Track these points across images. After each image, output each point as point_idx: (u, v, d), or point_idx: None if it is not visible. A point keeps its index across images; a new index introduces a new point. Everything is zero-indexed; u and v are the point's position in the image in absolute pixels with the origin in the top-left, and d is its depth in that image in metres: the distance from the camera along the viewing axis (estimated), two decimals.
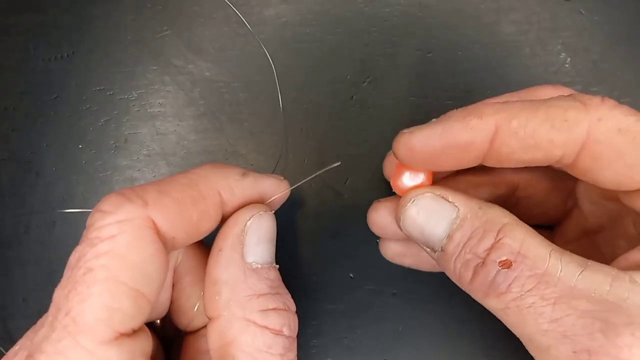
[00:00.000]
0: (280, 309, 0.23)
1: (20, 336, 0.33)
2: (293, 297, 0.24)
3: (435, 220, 0.22)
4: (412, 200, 0.23)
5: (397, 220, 0.24)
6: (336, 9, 0.35)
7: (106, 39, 0.35)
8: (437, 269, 0.29)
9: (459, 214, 0.22)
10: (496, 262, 0.20)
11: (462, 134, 0.22)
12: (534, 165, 0.23)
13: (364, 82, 0.34)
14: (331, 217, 0.33)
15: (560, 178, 0.28)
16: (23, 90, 0.35)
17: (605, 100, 0.21)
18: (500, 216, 0.21)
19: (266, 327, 0.22)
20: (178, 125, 0.35)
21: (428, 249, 0.23)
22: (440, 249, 0.22)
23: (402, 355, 0.32)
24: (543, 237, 0.21)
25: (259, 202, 0.25)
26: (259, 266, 0.23)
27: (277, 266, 0.24)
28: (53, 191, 0.34)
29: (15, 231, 0.34)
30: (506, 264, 0.20)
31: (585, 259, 0.20)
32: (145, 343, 0.20)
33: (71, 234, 0.34)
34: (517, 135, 0.21)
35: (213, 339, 0.22)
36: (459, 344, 0.32)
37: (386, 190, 0.33)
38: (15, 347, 0.21)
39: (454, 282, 0.23)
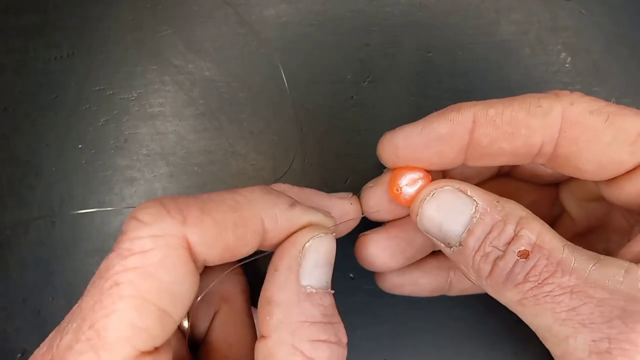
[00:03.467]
0: (331, 342, 0.22)
1: (19, 337, 0.33)
2: None
3: (455, 215, 0.22)
4: (432, 193, 0.23)
5: (413, 217, 0.24)
6: (336, 8, 0.35)
7: (106, 39, 0.35)
8: (434, 294, 0.29)
9: (478, 208, 0.22)
10: (515, 252, 0.21)
11: (442, 127, 0.23)
12: (516, 161, 0.23)
13: (364, 82, 0.34)
14: None
15: (543, 187, 0.29)
16: (22, 90, 0.35)
17: (575, 92, 0.22)
18: (518, 209, 0.22)
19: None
20: (178, 125, 0.35)
21: (443, 245, 0.23)
22: (458, 244, 0.22)
23: (402, 355, 0.32)
24: (557, 233, 0.21)
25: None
26: (314, 291, 0.22)
27: (333, 292, 0.23)
28: (53, 191, 0.34)
29: (15, 232, 0.34)
30: (524, 254, 0.21)
31: (596, 254, 0.21)
32: (167, 358, 0.20)
33: (70, 235, 0.34)
34: (494, 123, 0.22)
35: (259, 357, 0.21)
36: (459, 344, 0.32)
37: None
38: (43, 348, 0.21)
39: (467, 277, 0.23)
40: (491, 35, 0.35)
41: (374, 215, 0.27)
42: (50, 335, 0.21)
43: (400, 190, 0.24)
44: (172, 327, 0.20)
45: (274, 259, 0.23)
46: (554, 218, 0.29)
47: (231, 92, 0.35)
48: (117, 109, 0.35)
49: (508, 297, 0.21)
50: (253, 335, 0.26)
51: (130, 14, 0.36)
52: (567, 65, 0.34)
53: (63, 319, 0.21)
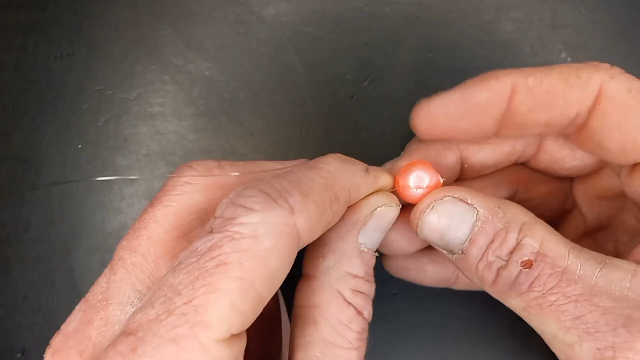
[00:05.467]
0: (367, 295, 0.23)
1: (20, 334, 0.33)
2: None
3: (456, 224, 0.22)
4: (431, 205, 0.23)
5: (414, 227, 0.24)
6: (336, 8, 0.35)
7: (106, 38, 0.35)
8: (439, 285, 0.29)
9: (479, 216, 0.22)
10: (518, 262, 0.21)
11: (481, 94, 0.22)
12: (547, 132, 0.23)
13: (364, 82, 0.34)
14: None
15: (557, 180, 0.28)
16: (22, 88, 0.35)
17: (614, 66, 0.22)
18: (520, 215, 0.22)
19: (351, 304, 0.22)
20: (178, 125, 0.34)
21: (445, 252, 0.23)
22: (460, 252, 0.22)
23: (402, 355, 0.32)
24: (561, 235, 0.21)
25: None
26: (365, 250, 0.23)
27: (377, 254, 0.24)
28: (52, 190, 0.34)
29: (15, 229, 0.34)
30: (527, 264, 0.20)
31: (603, 256, 0.20)
32: (245, 342, 0.20)
33: (71, 233, 0.34)
34: (533, 92, 0.22)
35: (301, 296, 0.23)
36: (459, 343, 0.32)
37: None
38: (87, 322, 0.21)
39: (472, 281, 0.23)
40: (491, 34, 0.35)
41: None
42: (80, 312, 0.22)
43: (407, 187, 0.24)
44: (260, 310, 0.19)
45: (346, 213, 0.23)
46: (565, 212, 0.29)
47: (231, 92, 0.35)
48: (117, 109, 0.35)
49: (512, 304, 0.21)
50: None
51: (131, 13, 0.36)
52: None
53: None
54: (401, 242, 0.27)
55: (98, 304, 0.22)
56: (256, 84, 0.34)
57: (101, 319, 0.22)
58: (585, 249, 0.21)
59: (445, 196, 0.23)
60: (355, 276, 0.23)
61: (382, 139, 0.33)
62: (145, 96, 0.35)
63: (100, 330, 0.22)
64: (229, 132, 0.34)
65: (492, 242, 0.21)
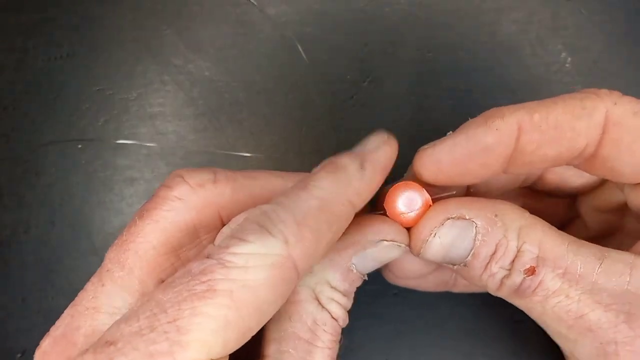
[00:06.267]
0: (342, 306, 0.23)
1: (20, 335, 0.33)
2: None
3: (458, 243, 0.22)
4: (434, 233, 0.23)
5: (416, 253, 0.24)
6: (336, 8, 0.35)
7: (106, 39, 0.35)
8: (439, 289, 0.29)
9: (478, 229, 0.22)
10: (521, 271, 0.21)
11: (488, 137, 0.21)
12: (557, 164, 0.23)
13: (364, 82, 0.34)
14: None
15: (559, 190, 0.28)
16: (23, 89, 0.35)
17: (613, 91, 0.22)
18: (516, 219, 0.22)
19: (326, 310, 0.22)
20: (178, 125, 0.34)
21: (448, 264, 0.23)
22: (463, 264, 0.22)
23: (402, 355, 0.32)
24: (559, 231, 0.21)
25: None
26: (354, 271, 0.23)
27: (366, 279, 0.24)
28: (53, 191, 0.34)
29: (15, 231, 0.34)
30: (530, 271, 0.21)
31: (602, 248, 0.21)
32: None
33: (70, 234, 0.34)
34: (540, 128, 0.21)
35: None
36: (459, 343, 0.32)
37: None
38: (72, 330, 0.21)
39: (474, 285, 0.23)
40: (492, 35, 0.35)
41: None
42: (68, 317, 0.22)
43: (398, 211, 0.23)
44: (245, 341, 0.19)
45: (351, 230, 0.23)
46: (568, 221, 0.29)
47: (231, 92, 0.35)
48: (117, 109, 0.35)
49: (517, 303, 0.22)
50: None
51: (131, 14, 0.36)
52: (567, 65, 0.34)
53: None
54: (405, 269, 0.27)
55: (86, 312, 0.22)
56: (256, 84, 0.34)
57: (89, 326, 0.22)
58: (585, 242, 0.21)
59: (445, 219, 0.22)
60: (334, 289, 0.23)
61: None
62: (145, 96, 0.35)
63: (88, 338, 0.22)
64: (229, 132, 0.34)
65: (494, 253, 0.21)
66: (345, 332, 0.32)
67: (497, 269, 0.21)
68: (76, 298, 0.23)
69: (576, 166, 0.23)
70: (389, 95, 0.34)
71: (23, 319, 0.33)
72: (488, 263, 0.22)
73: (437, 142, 0.23)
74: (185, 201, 0.23)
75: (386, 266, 0.27)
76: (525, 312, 0.22)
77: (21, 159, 0.35)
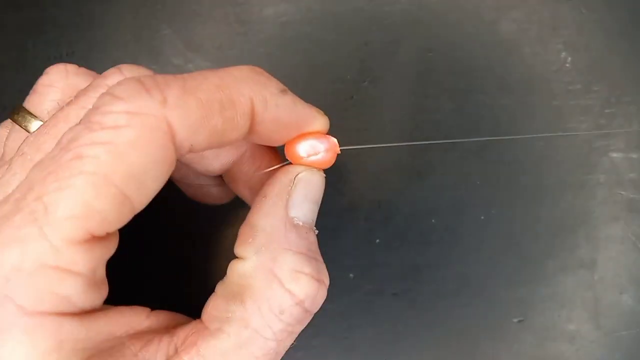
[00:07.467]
0: (313, 277, 0.20)
1: None
2: None
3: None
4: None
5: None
6: (336, 8, 0.35)
7: (105, 38, 0.35)
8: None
9: None
10: None
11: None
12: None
13: (364, 82, 0.34)
14: (331, 217, 0.33)
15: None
16: (21, 88, 0.35)
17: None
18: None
19: (289, 292, 0.20)
20: None
21: None
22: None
23: (402, 355, 0.32)
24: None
25: (294, 129, 0.23)
26: (300, 223, 0.21)
27: (317, 232, 0.22)
28: None
29: None
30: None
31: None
32: (112, 247, 0.18)
33: None
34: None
35: (231, 274, 0.21)
36: (459, 344, 0.32)
37: (387, 190, 0.33)
38: None
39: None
40: (491, 34, 0.35)
41: None
42: None
43: (298, 157, 0.23)
44: (130, 215, 0.17)
45: (264, 186, 0.22)
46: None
47: None
48: None
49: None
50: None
51: (130, 13, 0.35)
52: (567, 64, 0.34)
53: None
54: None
55: None
56: None
57: None
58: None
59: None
60: (296, 252, 0.20)
61: (382, 139, 0.33)
62: None
63: None
64: None
65: None
66: (345, 332, 0.32)
67: None
68: None
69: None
70: (389, 95, 0.34)
71: None
72: None
73: None
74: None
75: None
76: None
77: None
